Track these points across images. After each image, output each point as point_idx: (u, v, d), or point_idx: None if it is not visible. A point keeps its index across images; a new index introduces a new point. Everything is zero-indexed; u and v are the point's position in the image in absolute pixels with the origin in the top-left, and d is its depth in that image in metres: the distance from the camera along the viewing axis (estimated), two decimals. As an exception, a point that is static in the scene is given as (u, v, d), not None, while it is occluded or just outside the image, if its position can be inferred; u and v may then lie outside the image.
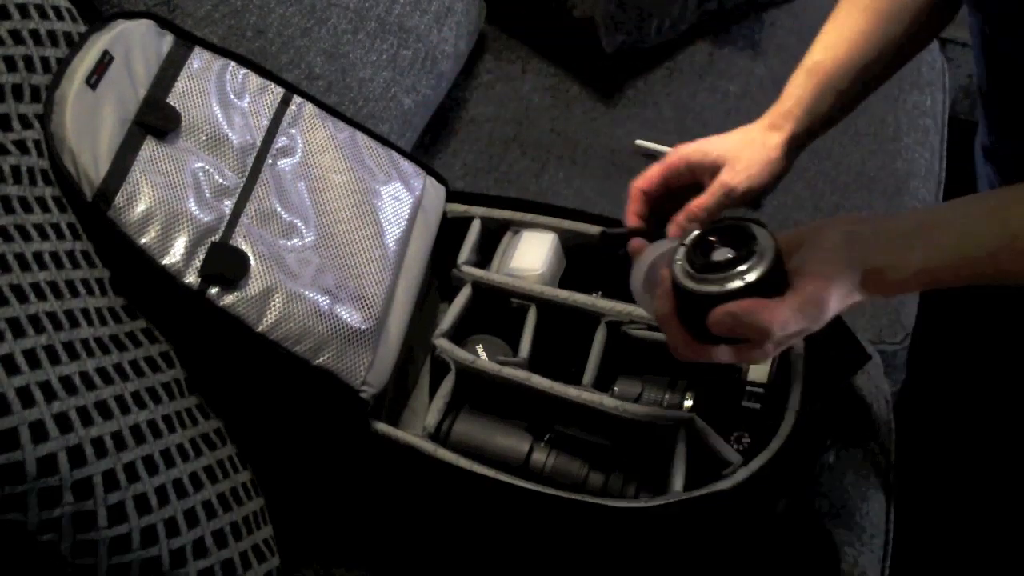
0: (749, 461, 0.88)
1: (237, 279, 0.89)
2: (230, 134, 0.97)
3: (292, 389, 0.94)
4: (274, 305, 0.90)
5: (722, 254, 0.68)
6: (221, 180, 0.94)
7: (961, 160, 1.53)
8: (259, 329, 0.89)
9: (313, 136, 1.04)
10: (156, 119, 0.92)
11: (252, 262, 0.91)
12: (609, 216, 1.11)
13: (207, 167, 0.94)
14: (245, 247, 0.91)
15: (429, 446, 0.92)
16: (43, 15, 0.90)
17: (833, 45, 0.90)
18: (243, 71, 1.02)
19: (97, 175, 0.86)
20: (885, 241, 0.68)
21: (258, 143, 0.99)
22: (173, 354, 0.91)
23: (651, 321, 0.98)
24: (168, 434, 0.86)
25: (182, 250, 0.88)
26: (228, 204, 0.93)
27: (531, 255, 1.07)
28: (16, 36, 0.87)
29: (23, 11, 0.88)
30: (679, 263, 0.69)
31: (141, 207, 0.87)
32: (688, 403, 0.95)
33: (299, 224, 0.97)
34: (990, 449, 1.04)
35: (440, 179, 1.13)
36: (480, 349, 1.03)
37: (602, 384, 0.96)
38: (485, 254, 1.11)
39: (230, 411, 0.95)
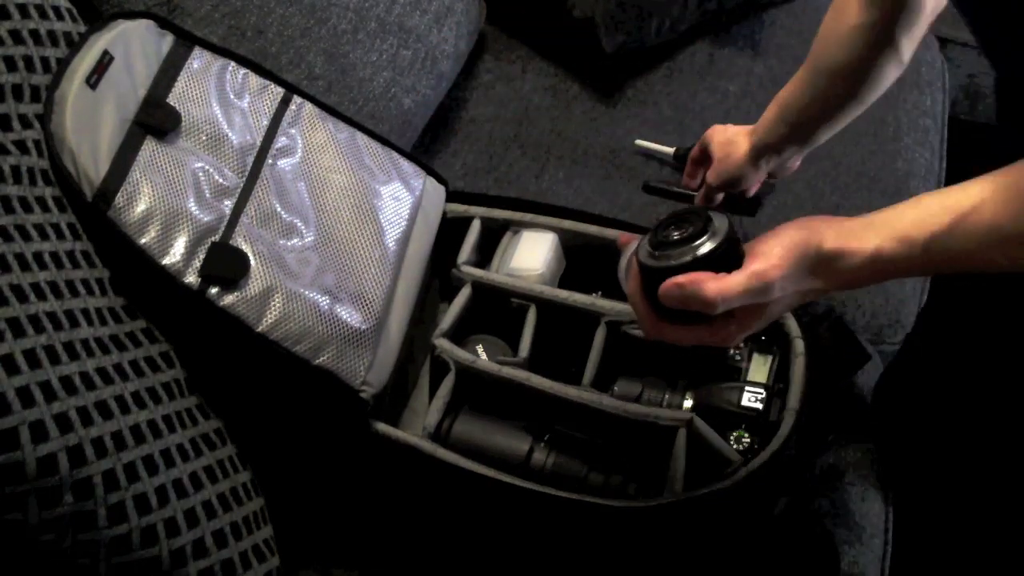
0: (749, 461, 0.88)
1: (237, 279, 0.89)
2: (230, 134, 0.97)
3: (292, 389, 0.94)
4: (274, 305, 0.90)
5: (677, 233, 0.73)
6: (221, 180, 0.94)
7: (961, 160, 1.53)
8: (259, 329, 0.89)
9: (313, 136, 1.04)
10: (156, 119, 0.92)
11: (252, 262, 0.91)
12: (609, 216, 1.12)
13: (207, 167, 0.94)
14: (245, 247, 0.91)
15: (429, 446, 0.92)
16: (43, 15, 0.90)
17: (790, 81, 1.04)
18: (243, 71, 1.02)
19: (97, 175, 0.86)
20: (839, 231, 0.71)
21: (258, 143, 0.99)
22: (173, 354, 0.91)
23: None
24: (168, 434, 0.86)
25: (182, 250, 0.88)
26: (228, 204, 0.93)
27: (531, 255, 1.07)
28: (16, 36, 0.87)
29: (23, 11, 0.88)
30: (644, 244, 0.74)
31: (141, 207, 0.87)
32: (688, 403, 0.95)
33: (299, 224, 0.97)
34: (990, 448, 1.04)
35: (440, 179, 1.13)
36: (480, 349, 1.03)
37: (602, 384, 0.96)
38: (485, 254, 1.11)
39: (230, 411, 0.95)
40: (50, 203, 0.85)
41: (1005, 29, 0.82)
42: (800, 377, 0.93)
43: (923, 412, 1.08)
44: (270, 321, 0.89)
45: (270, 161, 0.99)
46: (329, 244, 0.97)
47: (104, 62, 0.90)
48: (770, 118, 1.06)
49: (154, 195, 0.88)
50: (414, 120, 1.33)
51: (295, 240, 0.96)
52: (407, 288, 1.02)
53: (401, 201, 1.05)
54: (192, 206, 0.90)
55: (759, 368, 0.95)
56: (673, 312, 0.72)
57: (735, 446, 0.91)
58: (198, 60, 0.99)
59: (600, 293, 1.03)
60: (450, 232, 1.11)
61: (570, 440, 0.95)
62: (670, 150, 1.36)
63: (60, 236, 0.85)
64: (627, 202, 1.34)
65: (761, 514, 0.94)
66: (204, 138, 0.95)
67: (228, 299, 0.88)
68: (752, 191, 1.20)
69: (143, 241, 0.87)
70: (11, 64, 0.86)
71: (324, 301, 0.92)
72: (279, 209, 0.96)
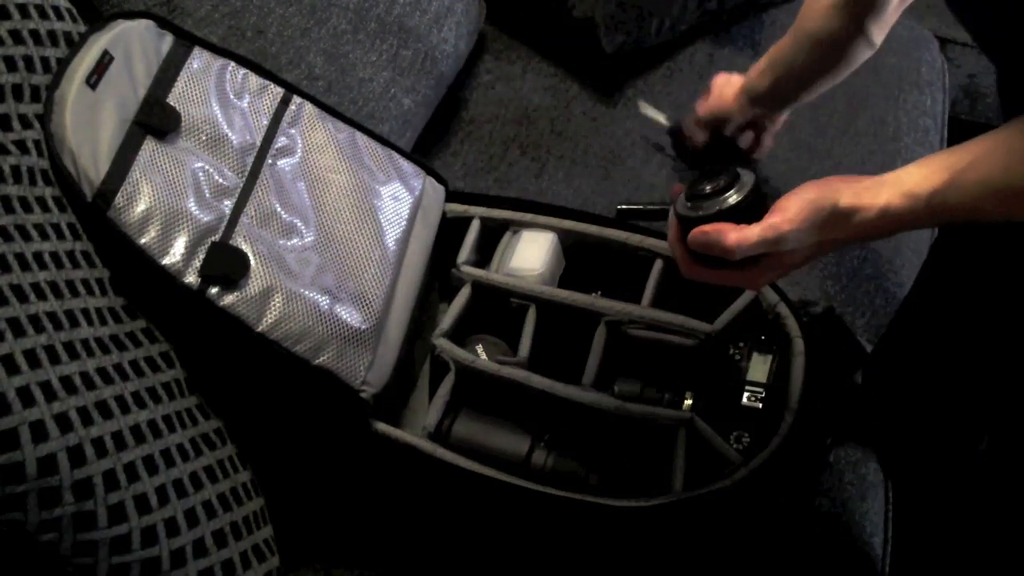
0: (749, 460, 0.88)
1: (237, 279, 0.89)
2: (230, 134, 0.97)
3: (292, 389, 0.94)
4: (274, 305, 0.90)
5: (709, 186, 0.82)
6: (221, 180, 0.94)
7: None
8: (259, 329, 0.89)
9: (313, 136, 1.04)
10: (156, 119, 0.92)
11: (252, 262, 0.91)
12: (609, 216, 1.12)
13: (207, 167, 0.94)
14: (245, 247, 0.91)
15: (429, 446, 0.92)
16: (43, 15, 0.90)
17: (782, 39, 1.12)
18: (243, 71, 1.02)
19: (97, 175, 0.86)
20: (855, 189, 0.77)
21: (258, 143, 0.99)
22: (173, 354, 0.91)
23: (652, 321, 0.98)
24: (168, 434, 0.86)
25: (182, 250, 0.88)
26: (228, 204, 0.93)
27: (531, 255, 1.07)
28: (16, 36, 0.87)
29: (23, 11, 0.88)
30: (681, 196, 0.83)
31: (141, 207, 0.87)
32: (688, 403, 0.95)
33: (299, 224, 0.97)
34: (988, 447, 1.04)
35: (440, 179, 1.13)
36: (480, 349, 1.03)
37: (602, 384, 0.96)
38: (485, 254, 1.11)
39: (230, 411, 0.95)
40: (50, 203, 0.86)
41: (1006, 27, 0.82)
42: (800, 377, 0.93)
43: (918, 382, 1.09)
44: (270, 321, 0.89)
45: (270, 161, 0.99)
46: (329, 244, 0.97)
47: (104, 62, 0.90)
48: (760, 67, 1.15)
49: (154, 195, 0.88)
50: (414, 120, 1.33)
51: (295, 240, 0.96)
52: (407, 288, 1.02)
53: (401, 201, 1.05)
54: (192, 206, 0.90)
55: (759, 368, 0.95)
56: (705, 256, 0.81)
57: (735, 446, 0.91)
58: (198, 60, 0.99)
59: (600, 293, 1.03)
60: (450, 232, 1.11)
61: (570, 440, 0.95)
62: (667, 122, 1.39)
63: (60, 236, 0.85)
64: (627, 202, 1.34)
65: (761, 514, 0.94)
66: (204, 138, 0.95)
67: (228, 299, 0.88)
68: (741, 142, 1.27)
69: (143, 241, 0.87)
70: (11, 64, 0.86)
71: (324, 301, 0.92)
72: (279, 209, 0.96)
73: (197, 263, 0.88)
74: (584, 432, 0.95)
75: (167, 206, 0.88)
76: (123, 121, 0.90)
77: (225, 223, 0.92)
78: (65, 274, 0.83)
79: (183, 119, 0.94)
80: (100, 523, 0.77)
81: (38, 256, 0.81)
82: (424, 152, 1.41)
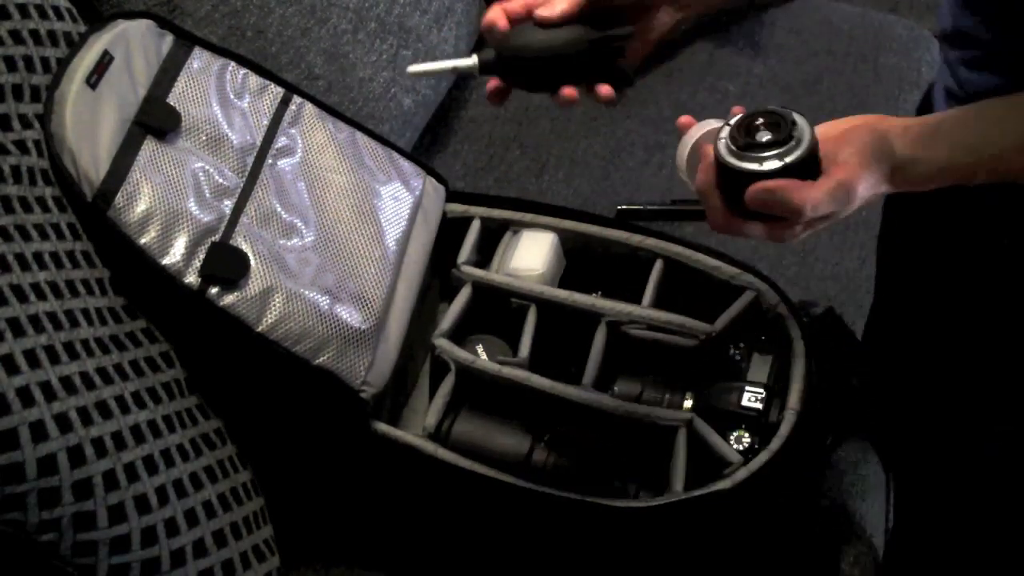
0: (749, 461, 0.88)
1: (237, 279, 0.89)
2: (230, 134, 0.97)
3: (292, 389, 0.94)
4: (274, 305, 0.90)
5: (764, 136, 0.74)
6: (221, 180, 0.94)
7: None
8: (259, 329, 0.89)
9: (313, 136, 1.04)
10: (156, 119, 0.92)
11: (252, 262, 0.91)
12: (609, 216, 1.12)
13: (207, 167, 0.94)
14: (245, 247, 0.91)
15: (429, 446, 0.92)
16: (43, 15, 0.90)
17: None
18: (243, 71, 1.02)
19: (97, 175, 0.86)
20: (912, 139, 0.73)
21: (258, 143, 0.99)
22: (173, 354, 0.91)
23: (652, 322, 0.98)
24: (168, 434, 0.86)
25: (182, 250, 0.88)
26: (228, 204, 0.93)
27: (531, 255, 1.06)
28: (16, 36, 0.87)
29: (23, 11, 0.88)
30: (723, 140, 0.75)
31: (141, 207, 0.87)
32: (688, 403, 0.95)
33: (299, 224, 0.97)
34: (988, 447, 1.04)
35: (440, 179, 1.13)
36: (480, 349, 1.03)
37: (602, 384, 0.96)
38: (485, 254, 1.10)
39: (230, 411, 0.95)
40: (50, 203, 0.86)
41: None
42: (800, 377, 0.93)
43: (906, 378, 1.08)
44: (270, 321, 0.89)
45: (270, 161, 0.99)
46: (329, 244, 0.97)
47: (104, 62, 0.90)
48: None
49: (154, 195, 0.88)
50: (414, 120, 1.33)
51: (295, 240, 0.96)
52: (407, 288, 1.02)
53: (401, 201, 1.05)
54: (192, 206, 0.90)
55: (759, 368, 0.95)
56: (749, 210, 0.74)
57: (735, 446, 0.91)
58: (198, 60, 0.99)
59: (600, 293, 1.03)
60: (450, 232, 1.11)
61: (570, 440, 0.95)
62: (449, 64, 0.85)
63: (60, 236, 0.85)
64: (626, 202, 1.34)
65: (761, 514, 0.94)
66: (204, 138, 0.95)
67: (228, 299, 0.88)
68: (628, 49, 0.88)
69: (143, 241, 0.87)
70: (11, 64, 0.86)
71: (324, 301, 0.92)
72: (279, 209, 0.96)
73: (197, 263, 0.88)
74: (584, 432, 0.95)
75: (167, 206, 0.88)
76: (123, 121, 0.90)
77: (225, 223, 0.92)
78: (65, 274, 0.83)
79: (183, 119, 0.94)
80: (100, 523, 0.77)
81: (38, 256, 0.81)
82: (424, 152, 1.41)
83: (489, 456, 0.92)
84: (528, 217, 1.10)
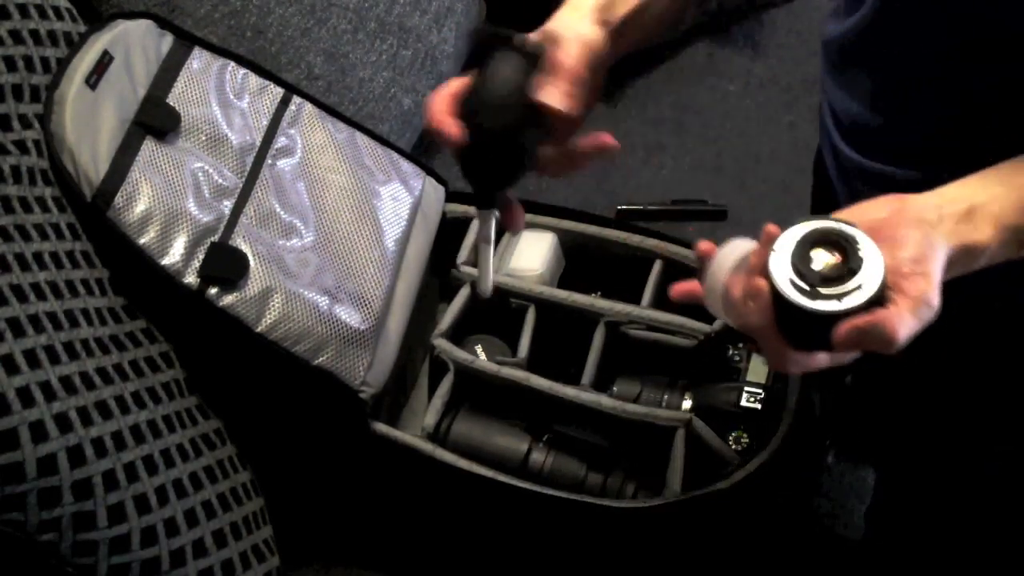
0: (747, 461, 0.88)
1: (236, 279, 0.89)
2: (229, 134, 0.97)
3: (292, 389, 0.95)
4: (273, 305, 0.90)
5: (826, 261, 0.64)
6: (220, 180, 0.94)
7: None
8: (258, 329, 0.89)
9: (312, 136, 1.04)
10: (156, 119, 0.92)
11: (251, 262, 0.91)
12: (609, 216, 1.12)
13: (206, 167, 0.94)
14: (244, 247, 0.91)
15: (428, 446, 0.92)
16: (43, 15, 0.90)
17: None
18: (243, 71, 1.02)
19: (97, 175, 0.86)
20: (949, 228, 0.65)
21: (257, 143, 0.99)
22: (173, 354, 0.92)
23: (652, 322, 0.98)
24: (168, 434, 0.86)
25: (181, 250, 0.88)
26: (227, 204, 0.93)
27: (530, 255, 1.07)
28: (16, 36, 0.87)
29: (23, 11, 0.88)
30: (783, 275, 0.65)
31: (140, 207, 0.87)
32: (687, 403, 0.95)
33: (298, 224, 0.97)
34: (988, 466, 1.04)
35: (440, 179, 1.13)
36: (479, 349, 1.03)
37: (601, 384, 0.97)
38: (485, 254, 1.10)
39: (230, 411, 0.96)
40: (50, 203, 0.86)
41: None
42: (799, 377, 0.93)
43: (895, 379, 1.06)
44: (269, 321, 0.90)
45: (269, 161, 0.99)
46: (328, 244, 0.97)
47: (104, 62, 0.90)
48: None
49: (153, 195, 0.88)
50: (414, 120, 1.33)
51: (294, 240, 0.96)
52: (406, 288, 1.02)
53: (400, 201, 1.05)
54: (191, 206, 0.90)
55: (758, 369, 0.95)
56: (813, 343, 0.65)
57: (734, 447, 0.91)
58: (198, 60, 0.99)
59: (599, 293, 1.04)
60: (450, 232, 1.11)
61: (569, 440, 0.95)
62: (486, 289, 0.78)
63: (60, 236, 0.85)
64: (626, 203, 1.34)
65: (760, 514, 0.94)
66: (203, 138, 0.95)
67: (227, 299, 0.88)
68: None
69: (142, 241, 0.87)
70: (11, 64, 0.86)
71: (323, 301, 0.93)
72: (278, 209, 0.97)
73: (196, 263, 0.88)
74: (583, 433, 0.95)
75: (166, 206, 0.89)
76: (123, 121, 0.90)
77: (224, 223, 0.92)
78: (65, 274, 0.83)
79: (183, 119, 0.94)
80: (100, 523, 0.77)
81: (38, 256, 0.82)
82: (424, 152, 1.41)
83: (488, 456, 0.92)
84: (528, 217, 1.10)
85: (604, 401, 0.93)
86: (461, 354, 0.98)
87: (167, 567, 0.82)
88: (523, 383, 0.95)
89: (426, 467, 0.92)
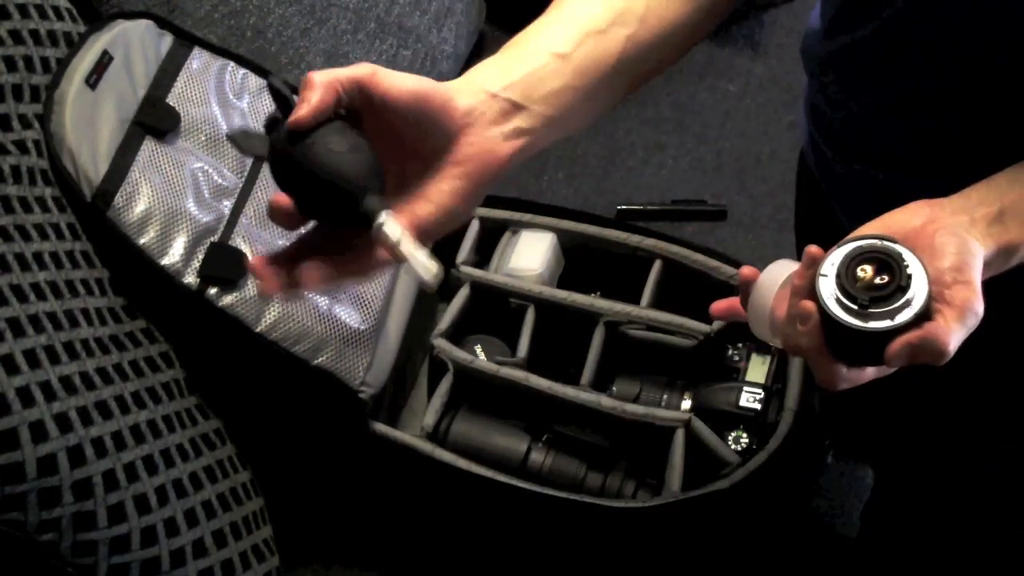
0: (747, 461, 0.88)
1: (236, 279, 0.89)
2: (230, 134, 0.97)
3: (291, 389, 0.95)
4: (273, 305, 0.90)
5: (875, 281, 0.65)
6: (220, 180, 0.94)
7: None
8: (258, 329, 0.89)
9: (313, 136, 1.03)
10: (155, 119, 0.92)
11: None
12: (609, 216, 1.12)
13: (206, 167, 0.94)
14: (244, 247, 0.91)
15: (427, 446, 0.92)
16: (43, 15, 0.90)
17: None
18: (242, 71, 1.02)
19: (96, 175, 0.87)
20: (983, 229, 0.66)
21: (258, 143, 0.99)
22: (173, 354, 0.92)
23: (651, 322, 0.98)
24: (168, 434, 0.86)
25: (181, 250, 0.88)
26: (227, 204, 0.93)
27: (530, 255, 1.07)
28: (16, 36, 0.87)
29: (23, 11, 0.88)
30: (831, 296, 0.65)
31: (140, 207, 0.87)
32: (686, 403, 0.95)
33: (298, 224, 0.97)
34: (991, 464, 1.04)
35: (439, 179, 1.13)
36: (478, 349, 1.03)
37: (600, 384, 0.97)
38: (484, 254, 1.11)
39: (230, 411, 0.96)
40: (50, 203, 0.86)
41: None
42: (798, 377, 0.93)
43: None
44: (269, 321, 0.90)
45: (270, 161, 0.99)
46: (328, 244, 0.97)
47: (104, 62, 0.90)
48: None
49: (153, 195, 0.88)
50: (414, 120, 1.34)
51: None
52: (406, 289, 1.02)
53: (400, 201, 1.05)
54: (191, 206, 0.90)
55: (757, 368, 0.95)
56: (865, 360, 0.66)
57: (733, 446, 0.91)
58: (197, 60, 0.99)
59: (599, 293, 1.04)
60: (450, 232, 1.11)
61: (568, 440, 0.95)
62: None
63: (60, 236, 0.85)
64: (626, 203, 1.34)
65: (760, 514, 0.94)
66: (203, 138, 0.95)
67: (227, 299, 0.88)
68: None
69: (142, 241, 0.87)
70: (11, 64, 0.86)
71: (323, 301, 0.93)
72: (278, 209, 0.97)
73: (196, 263, 0.88)
74: (582, 432, 0.95)
75: (166, 206, 0.89)
76: (123, 121, 0.90)
77: (224, 223, 0.92)
78: (65, 274, 0.83)
79: (183, 119, 0.94)
80: (100, 523, 0.78)
81: (38, 256, 0.82)
82: (424, 152, 1.41)
83: (487, 456, 0.92)
84: (527, 217, 1.10)
85: (603, 401, 0.93)
86: (460, 354, 0.98)
87: (167, 567, 0.82)
88: (522, 383, 0.95)
89: (425, 467, 0.92)
